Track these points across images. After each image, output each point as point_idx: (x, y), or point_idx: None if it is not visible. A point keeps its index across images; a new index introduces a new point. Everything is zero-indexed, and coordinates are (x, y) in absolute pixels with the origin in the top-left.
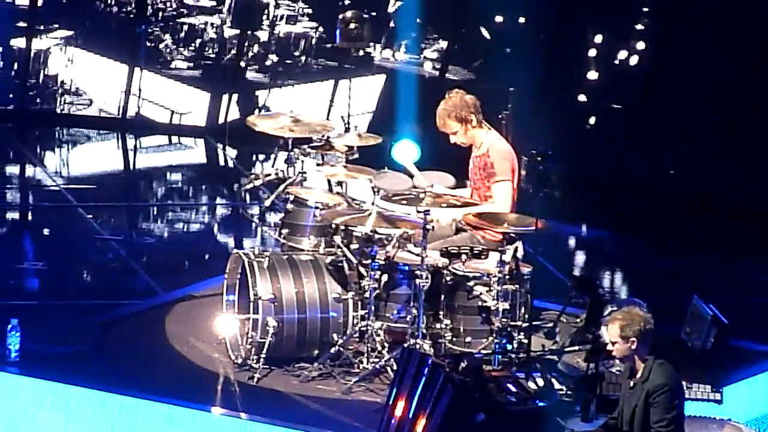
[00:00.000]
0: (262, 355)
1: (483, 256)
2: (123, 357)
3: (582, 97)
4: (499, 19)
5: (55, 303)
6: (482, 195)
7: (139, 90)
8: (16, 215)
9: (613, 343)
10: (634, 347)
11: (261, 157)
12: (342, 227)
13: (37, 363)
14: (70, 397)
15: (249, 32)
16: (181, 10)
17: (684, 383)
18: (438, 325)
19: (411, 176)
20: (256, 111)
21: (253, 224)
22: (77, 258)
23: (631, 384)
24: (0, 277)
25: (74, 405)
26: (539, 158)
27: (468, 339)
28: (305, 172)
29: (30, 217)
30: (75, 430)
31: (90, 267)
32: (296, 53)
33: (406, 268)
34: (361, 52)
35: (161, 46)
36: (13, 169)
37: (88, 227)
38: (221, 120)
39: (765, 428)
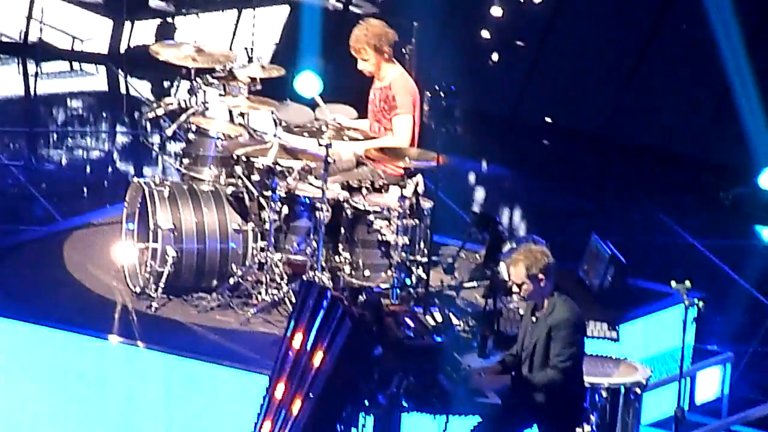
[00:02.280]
0: (161, 285)
1: (383, 191)
2: (21, 283)
3: (485, 34)
4: None
5: None
6: (382, 128)
7: (41, 15)
8: None
9: (520, 285)
10: (542, 284)
11: (163, 86)
12: (243, 158)
13: None
14: None
15: None
16: None
17: None
18: (337, 259)
19: (314, 108)
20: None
21: (154, 153)
22: None
23: (534, 319)
24: None
25: None
26: (442, 94)
27: (367, 273)
28: (207, 102)
29: None
30: None
31: None
32: None
33: (307, 200)
34: None
35: None
36: None
37: None
38: (123, 47)
39: (659, 366)
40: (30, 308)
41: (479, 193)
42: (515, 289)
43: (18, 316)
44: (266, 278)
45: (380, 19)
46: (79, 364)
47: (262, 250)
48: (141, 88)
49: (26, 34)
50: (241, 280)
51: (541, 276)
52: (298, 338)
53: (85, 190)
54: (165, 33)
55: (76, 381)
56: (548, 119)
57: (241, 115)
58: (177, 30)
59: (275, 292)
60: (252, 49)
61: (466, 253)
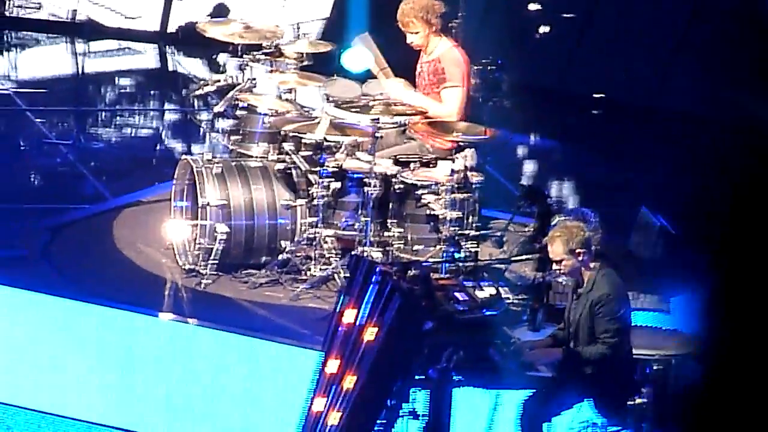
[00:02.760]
0: (211, 262)
1: (432, 165)
2: (71, 261)
3: (533, 5)
4: None
5: (3, 207)
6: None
7: None
8: None
9: (560, 261)
10: (581, 259)
11: (211, 63)
12: (292, 134)
13: None
14: (16, 301)
15: None
16: None
17: (632, 293)
18: (387, 233)
19: (364, 83)
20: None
21: (203, 130)
22: (26, 162)
23: (576, 295)
24: None
25: (21, 309)
26: (490, 67)
27: (416, 247)
28: (255, 79)
29: None
30: (21, 334)
31: (38, 171)
32: None
33: (356, 176)
34: None
35: None
36: None
37: (36, 131)
38: (172, 25)
39: None
40: (80, 286)
41: (528, 166)
42: (555, 266)
43: (69, 294)
44: (316, 254)
45: None
46: (130, 342)
47: (311, 225)
48: (189, 65)
49: (75, 12)
50: (290, 256)
51: (579, 251)
52: (349, 314)
53: (134, 168)
54: (219, 11)
55: (126, 358)
56: (597, 93)
57: (290, 91)
58: (229, 9)
59: (325, 267)
60: (300, 24)
61: (515, 227)
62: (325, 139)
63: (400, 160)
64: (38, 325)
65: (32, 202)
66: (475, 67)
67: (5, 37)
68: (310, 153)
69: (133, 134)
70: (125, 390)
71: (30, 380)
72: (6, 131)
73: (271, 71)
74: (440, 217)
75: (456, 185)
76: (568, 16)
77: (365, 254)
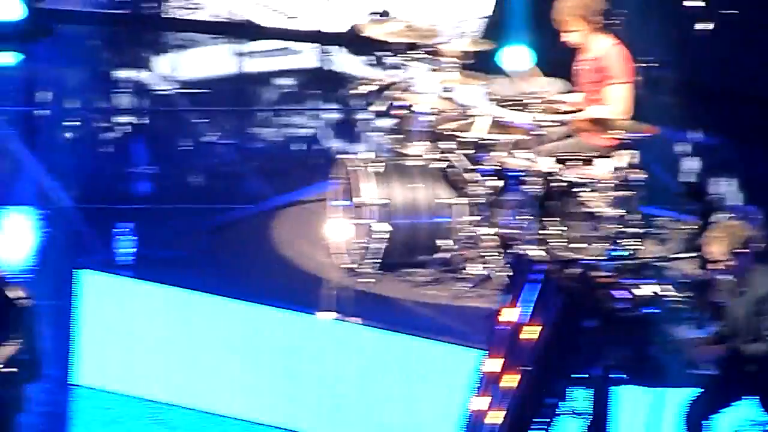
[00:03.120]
0: (372, 261)
1: (593, 162)
2: (232, 261)
3: (694, 2)
4: None
5: (166, 207)
6: (592, 99)
7: None
8: (128, 119)
9: (722, 261)
10: (743, 257)
11: (371, 62)
12: (452, 133)
13: (150, 267)
14: (179, 301)
15: None
16: None
17: None
18: (548, 231)
19: (526, 81)
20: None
21: (362, 130)
22: (188, 162)
23: (740, 293)
24: (113, 181)
25: (186, 309)
26: (652, 64)
27: (578, 245)
28: (415, 78)
29: (142, 122)
30: (183, 335)
31: (200, 171)
32: None
33: (517, 174)
34: None
35: None
36: (125, 74)
37: (198, 131)
38: (332, 24)
39: None
40: (244, 286)
41: (690, 163)
42: (717, 265)
43: (231, 294)
44: (476, 253)
45: None
46: (292, 342)
47: (472, 224)
48: (349, 64)
49: (234, 13)
50: (451, 255)
51: (741, 250)
52: (511, 312)
53: (295, 167)
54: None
55: (288, 358)
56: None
57: (450, 89)
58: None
59: (486, 266)
60: (461, 23)
61: (677, 224)
62: (485, 137)
63: (561, 157)
64: (200, 325)
65: (194, 202)
66: (638, 64)
67: (167, 38)
68: (471, 151)
69: (292, 134)
70: (287, 389)
71: (192, 380)
72: (168, 131)
73: (433, 70)
74: (601, 214)
75: (617, 182)
76: (730, 12)
77: (526, 253)
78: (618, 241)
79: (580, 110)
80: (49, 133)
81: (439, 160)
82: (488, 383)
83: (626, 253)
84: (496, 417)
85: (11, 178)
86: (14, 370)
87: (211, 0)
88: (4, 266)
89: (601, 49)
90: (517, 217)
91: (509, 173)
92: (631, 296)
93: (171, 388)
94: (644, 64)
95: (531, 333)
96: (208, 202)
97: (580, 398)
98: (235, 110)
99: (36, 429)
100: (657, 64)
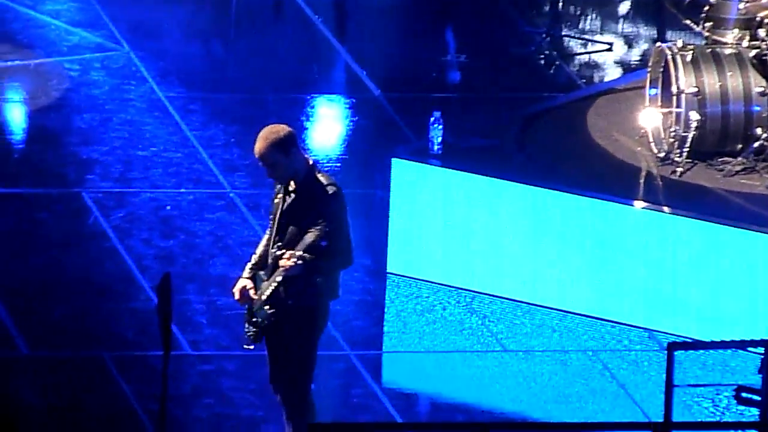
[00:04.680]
0: (685, 149)
1: None
2: (544, 150)
3: None
4: None
5: (477, 96)
6: None
7: None
8: (437, 7)
9: None
10: None
11: None
12: (766, 20)
13: (459, 155)
14: (491, 190)
15: None
16: None
17: None
18: None
19: None
20: None
21: (678, 17)
22: (499, 50)
23: None
24: (423, 69)
25: (494, 198)
26: None
27: None
28: None
29: (451, 11)
30: (495, 224)
31: (512, 60)
32: None
33: None
34: None
35: None
36: None
37: (512, 19)
38: None
39: None
40: (554, 175)
41: None
42: None
43: (542, 183)
44: None
45: None
46: (604, 230)
47: None
48: None
49: None
50: (765, 144)
51: None
52: None
53: (607, 59)
54: None
55: (600, 247)
56: None
57: None
58: None
59: None
60: None
61: None
62: None
63: None
64: (512, 215)
65: (507, 91)
66: None
67: None
68: None
69: (612, 24)
70: (599, 279)
71: (505, 270)
72: (479, 19)
73: None
74: None
75: None
76: None
77: None
78: None
79: None
80: (359, 21)
81: (754, 47)
82: None
83: None
84: None
85: (324, 65)
86: (327, 257)
87: None
88: (317, 153)
89: None
90: None
91: None
92: None
93: (482, 278)
94: None
95: None
96: (522, 91)
97: None
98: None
99: (350, 317)
100: None
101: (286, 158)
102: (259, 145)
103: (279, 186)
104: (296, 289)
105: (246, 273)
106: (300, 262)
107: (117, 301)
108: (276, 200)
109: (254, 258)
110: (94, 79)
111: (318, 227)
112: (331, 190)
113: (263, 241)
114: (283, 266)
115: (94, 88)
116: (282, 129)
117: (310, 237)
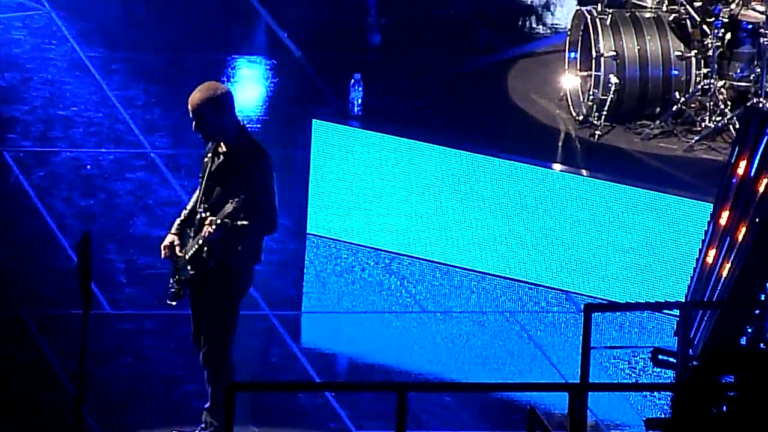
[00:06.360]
0: (604, 112)
1: None
2: (464, 112)
3: None
4: None
5: (398, 58)
6: None
7: None
8: None
9: None
10: None
11: None
12: None
13: (378, 117)
14: (411, 152)
15: None
16: None
17: None
18: None
19: None
20: None
21: None
22: (419, 13)
23: None
24: (344, 31)
25: (415, 159)
26: None
27: None
28: None
29: None
30: (416, 185)
31: (431, 23)
32: None
33: (750, 26)
34: None
35: None
36: None
37: None
38: None
39: None
40: (474, 136)
41: None
42: None
43: (463, 146)
44: (709, 105)
45: None
46: (523, 192)
47: (705, 77)
48: None
49: None
50: (684, 107)
51: None
52: (742, 165)
53: (526, 18)
54: None
55: (519, 209)
56: None
57: None
58: None
59: (718, 118)
60: None
61: None
62: None
63: None
64: (431, 177)
65: (428, 55)
66: None
67: None
68: (704, 3)
69: None
70: (517, 240)
71: (425, 232)
72: None
73: None
74: None
75: None
76: None
77: (760, 105)
78: None
79: None
80: None
81: (673, 12)
82: (719, 236)
83: None
84: (726, 269)
85: (245, 27)
86: (249, 223)
87: None
88: (239, 114)
89: None
90: (751, 70)
91: (742, 25)
92: None
93: (401, 239)
94: None
95: (762, 186)
96: (445, 54)
97: None
98: None
99: (269, 277)
100: None
101: (215, 116)
102: (193, 96)
103: (210, 145)
104: (218, 252)
105: (174, 229)
106: (221, 229)
107: (37, 260)
108: (206, 159)
109: (183, 214)
110: (15, 38)
111: (241, 193)
112: (258, 156)
113: (193, 198)
114: (204, 232)
115: (15, 47)
116: (221, 88)
117: (232, 203)
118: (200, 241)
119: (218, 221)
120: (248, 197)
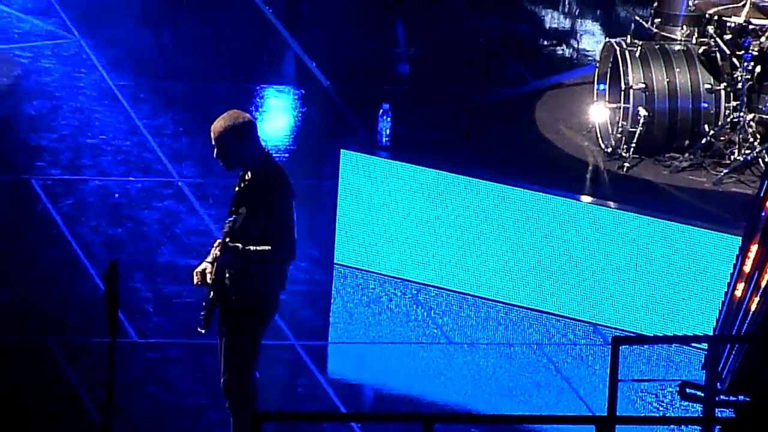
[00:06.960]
0: (632, 145)
1: None
2: (492, 143)
3: None
4: None
5: (426, 88)
6: None
7: None
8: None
9: None
10: None
11: None
12: (715, 17)
13: (406, 147)
14: (439, 182)
15: None
16: None
17: None
18: None
19: None
20: None
21: (626, 14)
22: (445, 44)
23: None
24: (373, 61)
25: (443, 190)
26: None
27: None
28: None
29: (401, 3)
30: (442, 216)
31: (459, 53)
32: None
33: None
34: None
35: None
36: None
37: (458, 12)
38: None
39: None
40: (502, 168)
41: None
42: None
43: (490, 176)
44: (739, 138)
45: None
46: (551, 224)
47: (734, 110)
48: None
49: None
50: (713, 140)
51: None
52: None
53: (557, 50)
54: None
55: (546, 241)
56: None
57: None
58: None
59: (748, 151)
60: None
61: None
62: (749, 22)
63: None
64: (459, 207)
65: (454, 84)
66: None
67: None
68: (734, 36)
69: (554, 18)
70: (544, 272)
71: (452, 263)
72: (425, 14)
73: None
74: None
75: None
76: None
77: None
78: None
79: None
80: (309, 12)
81: (702, 44)
82: (747, 270)
83: None
84: (755, 303)
85: (274, 56)
86: (270, 248)
87: None
88: (266, 144)
89: None
90: None
91: None
92: None
93: (428, 270)
94: None
95: None
96: (470, 84)
97: None
98: None
99: (296, 307)
100: None
101: (236, 144)
102: (215, 124)
103: (241, 174)
104: (239, 280)
105: (210, 257)
106: (230, 251)
107: (64, 288)
108: (236, 188)
109: (218, 243)
110: (44, 66)
111: (259, 219)
112: (277, 183)
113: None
114: (213, 253)
115: (45, 75)
116: (243, 116)
117: (247, 227)
118: (215, 265)
119: (229, 244)
120: (265, 223)
